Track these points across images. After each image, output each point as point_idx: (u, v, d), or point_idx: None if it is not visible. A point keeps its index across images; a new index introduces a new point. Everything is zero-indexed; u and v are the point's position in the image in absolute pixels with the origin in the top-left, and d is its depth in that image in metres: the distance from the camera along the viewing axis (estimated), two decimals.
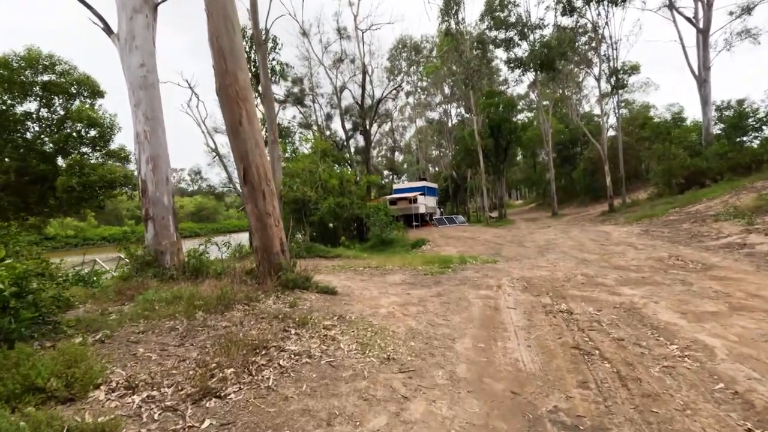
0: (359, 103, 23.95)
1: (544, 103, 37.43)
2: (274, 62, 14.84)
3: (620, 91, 28.21)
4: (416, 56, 36.30)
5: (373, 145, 30.69)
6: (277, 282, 6.61)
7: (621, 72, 25.78)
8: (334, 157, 22.86)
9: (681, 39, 25.24)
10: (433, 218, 31.21)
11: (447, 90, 45.31)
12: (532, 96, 51.07)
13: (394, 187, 33.72)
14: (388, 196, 29.57)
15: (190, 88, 18.51)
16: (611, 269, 8.57)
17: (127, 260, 7.83)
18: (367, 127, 24.05)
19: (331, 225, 21.11)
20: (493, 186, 36.28)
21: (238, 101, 6.56)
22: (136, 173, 8.39)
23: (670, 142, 25.96)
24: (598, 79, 26.80)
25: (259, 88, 13.91)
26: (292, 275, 6.61)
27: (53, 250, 67.03)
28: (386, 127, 50.62)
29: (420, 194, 28.74)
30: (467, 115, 46.78)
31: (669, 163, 25.02)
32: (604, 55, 26.25)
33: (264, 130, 14.91)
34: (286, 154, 23.73)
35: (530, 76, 36.52)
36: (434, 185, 35.65)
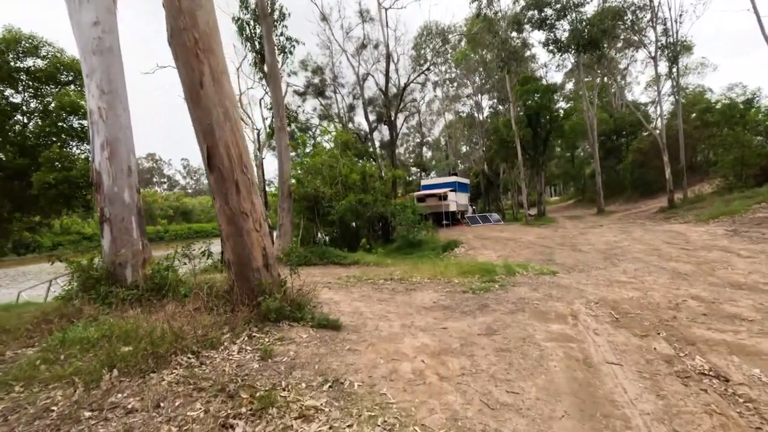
0: (383, 90, 21.90)
1: (585, 93, 34.06)
2: (282, 37, 13.10)
3: (679, 72, 24.77)
4: (444, 45, 33.82)
5: (399, 138, 28.56)
6: (256, 312, 4.63)
7: (681, 48, 22.42)
8: (356, 150, 20.90)
9: (756, 9, 21.63)
10: (465, 216, 28.75)
11: (478, 80, 42.51)
12: (569, 86, 47.46)
13: (423, 183, 31.43)
14: (416, 193, 27.36)
15: None
16: (729, 288, 6.09)
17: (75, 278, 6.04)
18: (392, 117, 21.96)
19: (353, 224, 19.16)
20: (531, 181, 33.33)
21: (197, 53, 4.60)
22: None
23: (743, 128, 22.45)
24: (653, 57, 23.52)
25: (265, 67, 12.15)
26: (275, 304, 4.60)
27: (93, 249, 69.24)
28: (413, 121, 48.37)
29: (451, 190, 26.37)
30: (500, 107, 43.85)
31: (741, 152, 21.60)
32: (662, 29, 22.99)
33: (270, 116, 13.31)
34: (307, 149, 21.99)
35: (570, 62, 33.34)
36: (466, 181, 33.11)
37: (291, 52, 13.14)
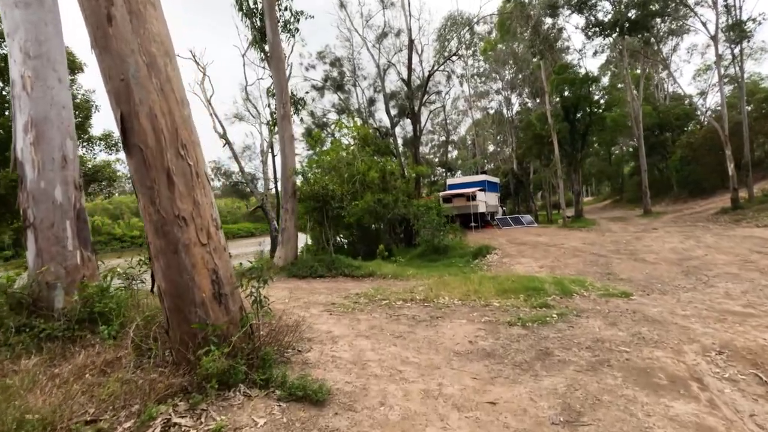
0: (406, 80, 20.09)
1: (628, 81, 31.12)
2: (286, 12, 11.52)
3: (742, 55, 21.80)
4: (471, 34, 31.67)
5: (422, 134, 26.68)
6: (196, 373, 2.96)
7: (751, 25, 19.54)
8: (376, 146, 19.20)
9: None
10: (495, 218, 26.55)
11: (507, 75, 40.08)
12: (605, 80, 44.11)
13: (449, 182, 29.36)
14: (442, 193, 25.38)
15: (194, 58, 15.74)
16: None
17: None
18: (416, 109, 20.11)
19: (373, 227, 17.47)
20: (567, 180, 30.72)
21: None
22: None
23: None
24: (713, 37, 20.73)
25: (266, 46, 10.61)
26: (221, 364, 2.90)
27: (121, 249, 70.90)
28: (437, 119, 46.32)
29: (480, 190, 24.24)
30: (531, 104, 41.18)
31: None
32: (723, 5, 20.23)
33: (272, 104, 11.77)
34: (324, 146, 20.44)
35: (607, 47, 30.58)
36: (496, 179, 30.82)
37: (296, 29, 11.57)
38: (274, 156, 19.45)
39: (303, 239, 11.41)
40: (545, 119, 25.54)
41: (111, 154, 12.34)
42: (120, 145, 13.04)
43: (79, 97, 11.28)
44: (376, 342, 4.53)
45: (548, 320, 5.10)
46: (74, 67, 11.37)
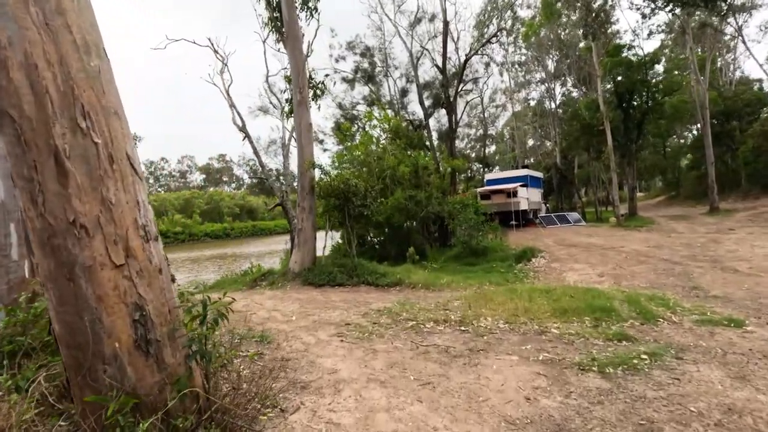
0: (440, 67, 18.55)
1: (693, 61, 27.92)
2: None
3: None
4: (513, 18, 29.54)
5: (458, 125, 24.95)
6: None
7: None
8: (408, 139, 17.87)
9: None
10: (539, 216, 24.53)
11: (550, 64, 37.48)
12: (658, 68, 40.27)
13: (487, 177, 27.52)
14: (479, 189, 23.66)
15: (212, 45, 14.97)
16: None
17: None
18: (451, 98, 18.55)
19: (405, 226, 16.19)
20: (621, 173, 28.04)
21: None
22: None
23: None
24: None
25: (283, 27, 9.54)
26: None
27: (166, 245, 73.88)
28: (474, 113, 44.24)
29: (521, 185, 22.36)
30: (574, 92, 38.34)
31: None
32: None
33: (288, 88, 10.72)
34: (355, 140, 19.36)
35: (662, 32, 27.65)
36: (539, 174, 28.64)
37: (315, 8, 10.38)
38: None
39: (322, 238, 10.31)
40: (595, 107, 23.22)
41: None
42: (135, 141, 12.56)
43: None
44: (393, 393, 3.27)
45: (637, 364, 3.64)
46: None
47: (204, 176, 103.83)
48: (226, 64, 15.13)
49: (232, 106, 14.85)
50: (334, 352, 4.30)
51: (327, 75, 15.26)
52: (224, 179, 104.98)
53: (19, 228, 3.89)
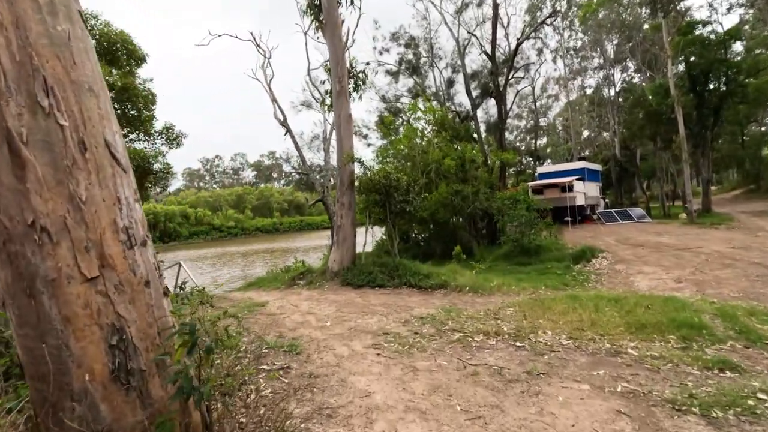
0: (489, 54, 17.43)
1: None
2: None
3: None
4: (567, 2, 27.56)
5: (508, 115, 23.56)
6: None
7: None
8: (454, 130, 17.02)
9: None
10: (597, 212, 22.70)
11: (610, 49, 34.76)
12: (738, 47, 35.87)
13: (539, 170, 25.88)
14: (531, 183, 22.25)
15: (254, 40, 14.94)
16: None
17: None
18: (501, 86, 17.39)
19: (451, 222, 15.44)
20: (694, 165, 25.32)
21: None
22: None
23: None
24: None
25: (321, 14, 9.10)
26: None
27: (220, 239, 78.00)
28: (524, 102, 42.13)
29: (578, 179, 20.72)
30: (636, 78, 35.24)
31: None
32: None
33: (328, 79, 10.30)
34: (400, 134, 18.81)
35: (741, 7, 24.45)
36: (597, 167, 26.54)
37: None
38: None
39: (363, 235, 9.85)
40: (664, 92, 20.98)
41: (171, 149, 12.08)
42: (180, 138, 12.80)
43: (142, 87, 10.95)
44: (436, 429, 2.71)
45: (754, 407, 2.81)
46: (136, 57, 11.13)
47: (255, 173, 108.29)
48: (267, 58, 15.18)
49: (273, 100, 14.87)
50: (369, 368, 3.80)
51: (368, 63, 14.86)
52: (273, 176, 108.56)
53: None
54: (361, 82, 10.35)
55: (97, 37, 9.85)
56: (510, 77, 19.07)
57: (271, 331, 4.81)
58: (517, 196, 14.46)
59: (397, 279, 7.53)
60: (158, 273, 2.01)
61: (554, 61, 37.99)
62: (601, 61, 36.67)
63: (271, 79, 15.18)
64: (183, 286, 5.93)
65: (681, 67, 22.11)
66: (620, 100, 34.82)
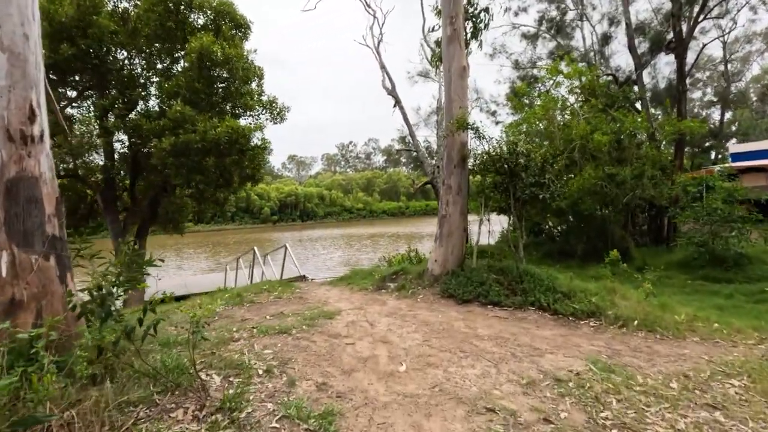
0: None
1: None
2: None
3: None
4: None
5: (691, 74, 17.77)
6: None
7: None
8: (608, 98, 13.23)
9: None
10: None
11: None
12: None
13: (732, 149, 19.42)
14: (719, 166, 16.57)
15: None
16: None
17: None
18: (684, 35, 12.58)
19: (599, 214, 12.00)
20: None
21: None
22: None
23: None
24: None
25: None
26: None
27: (350, 219, 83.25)
28: (707, 65, 32.81)
29: None
30: None
31: None
32: None
33: (437, 25, 8.00)
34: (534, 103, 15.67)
35: None
36: None
37: None
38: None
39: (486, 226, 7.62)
40: None
41: (275, 124, 11.61)
42: (284, 112, 12.21)
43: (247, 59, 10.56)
44: None
45: None
46: (241, 25, 10.75)
47: (385, 157, 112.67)
48: (376, 17, 13.77)
49: (382, 67, 13.38)
50: None
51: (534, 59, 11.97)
52: (402, 160, 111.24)
53: None
54: (482, 26, 7.99)
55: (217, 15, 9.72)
56: (700, 19, 13.88)
57: (315, 372, 3.22)
58: (710, 180, 10.33)
59: (520, 295, 5.27)
60: None
61: (754, 10, 28.30)
62: None
63: (379, 42, 13.81)
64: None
65: None
66: None
